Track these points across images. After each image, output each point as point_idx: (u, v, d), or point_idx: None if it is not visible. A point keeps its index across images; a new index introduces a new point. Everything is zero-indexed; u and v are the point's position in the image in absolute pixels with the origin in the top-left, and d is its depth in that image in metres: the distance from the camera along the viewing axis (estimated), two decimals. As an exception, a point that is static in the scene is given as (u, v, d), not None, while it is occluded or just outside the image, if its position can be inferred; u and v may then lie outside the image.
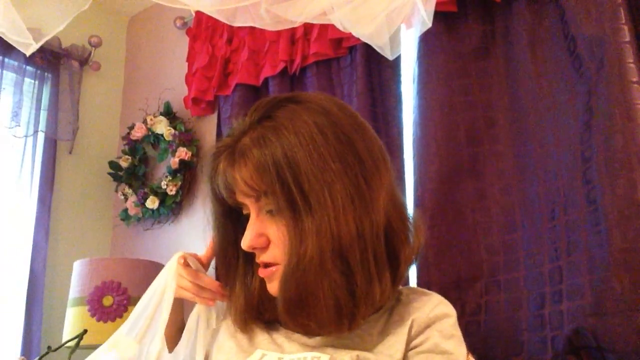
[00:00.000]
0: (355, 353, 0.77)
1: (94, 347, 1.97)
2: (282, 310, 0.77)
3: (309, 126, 0.75)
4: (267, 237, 0.79)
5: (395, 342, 0.78)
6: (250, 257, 0.85)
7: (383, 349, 0.78)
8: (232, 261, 0.87)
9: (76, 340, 1.69)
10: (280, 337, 0.85)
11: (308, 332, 0.82)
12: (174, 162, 2.30)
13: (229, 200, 0.82)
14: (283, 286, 0.76)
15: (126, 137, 2.51)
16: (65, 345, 1.73)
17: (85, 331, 1.73)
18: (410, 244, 0.82)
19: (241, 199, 0.80)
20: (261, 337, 0.86)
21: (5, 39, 1.60)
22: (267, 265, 0.80)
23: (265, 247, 0.79)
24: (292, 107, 0.78)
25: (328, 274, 0.73)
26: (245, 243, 0.79)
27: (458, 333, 0.80)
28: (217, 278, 0.92)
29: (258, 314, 0.86)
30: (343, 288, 0.74)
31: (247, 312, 0.85)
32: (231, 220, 0.87)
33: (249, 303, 0.85)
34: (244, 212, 0.83)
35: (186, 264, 0.94)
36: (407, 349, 0.78)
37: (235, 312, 0.86)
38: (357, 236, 0.74)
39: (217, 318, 0.95)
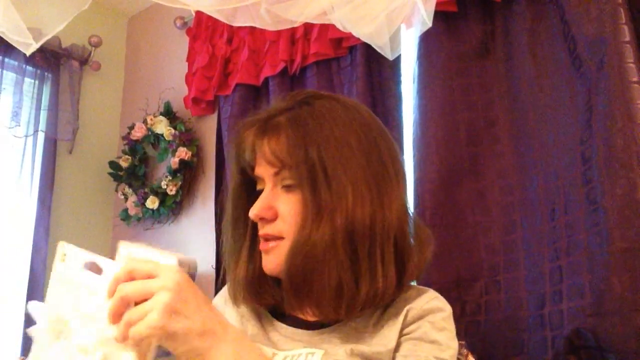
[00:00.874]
0: (349, 347, 0.77)
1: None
2: (285, 283, 0.78)
3: (344, 121, 0.81)
4: (276, 210, 0.80)
5: (389, 332, 0.79)
6: (257, 234, 0.85)
7: (377, 340, 0.79)
8: (240, 232, 0.87)
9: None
10: (274, 333, 0.84)
11: (305, 314, 0.83)
12: (174, 162, 2.30)
13: (248, 170, 0.84)
14: (290, 259, 0.77)
15: (126, 137, 2.51)
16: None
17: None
18: (417, 254, 0.85)
19: (261, 171, 0.82)
20: (254, 332, 0.85)
21: (5, 38, 1.60)
22: (268, 238, 0.81)
23: (271, 220, 0.80)
24: (330, 101, 0.84)
25: (336, 253, 0.75)
26: (254, 211, 0.80)
27: (451, 327, 0.81)
28: (220, 253, 0.91)
29: (256, 292, 0.85)
30: (348, 271, 0.76)
31: (246, 287, 0.84)
32: (246, 193, 0.87)
33: (249, 278, 0.84)
34: (258, 187, 0.84)
35: None
36: (400, 335, 0.79)
37: (233, 284, 0.85)
38: (369, 227, 0.77)
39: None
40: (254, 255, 0.85)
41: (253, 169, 0.84)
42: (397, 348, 0.78)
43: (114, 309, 0.59)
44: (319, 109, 0.82)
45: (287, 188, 0.81)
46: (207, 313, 0.62)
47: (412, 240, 0.86)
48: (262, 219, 0.81)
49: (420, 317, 0.80)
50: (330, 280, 0.75)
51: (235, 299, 0.86)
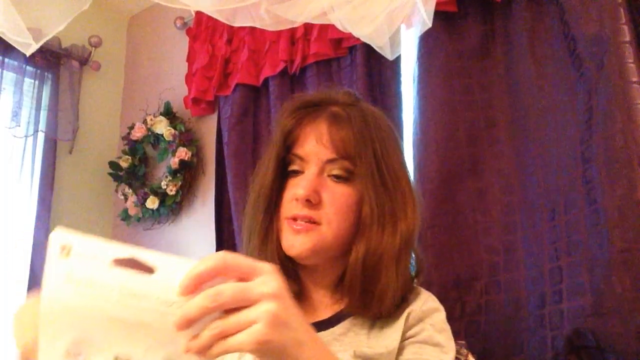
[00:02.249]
0: (352, 350, 0.77)
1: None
2: (353, 282, 0.79)
3: (387, 125, 0.87)
4: (321, 196, 0.80)
5: (391, 333, 0.80)
6: (274, 216, 0.83)
7: (378, 342, 0.79)
8: (270, 213, 0.84)
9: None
10: None
11: (331, 300, 0.85)
12: (174, 162, 2.30)
13: (299, 151, 0.83)
14: (362, 262, 0.78)
15: (126, 137, 2.51)
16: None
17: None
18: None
19: (312, 153, 0.81)
20: None
21: (5, 39, 1.61)
22: (305, 220, 0.80)
23: (316, 204, 0.80)
24: (369, 106, 0.89)
25: (399, 260, 0.79)
26: (304, 191, 0.79)
27: (448, 327, 0.83)
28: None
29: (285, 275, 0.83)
30: (399, 276, 0.79)
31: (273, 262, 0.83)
32: (280, 175, 0.85)
33: (278, 256, 0.82)
34: (294, 167, 0.83)
35: None
36: (403, 338, 0.80)
37: (266, 260, 0.83)
38: (415, 235, 0.82)
39: None
40: (271, 235, 0.83)
41: (289, 150, 0.83)
42: (399, 351, 0.78)
43: (196, 315, 0.46)
44: (371, 110, 0.86)
45: (337, 178, 0.81)
46: (305, 321, 0.53)
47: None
48: (307, 200, 0.79)
49: (420, 319, 0.81)
50: (390, 282, 0.78)
51: None
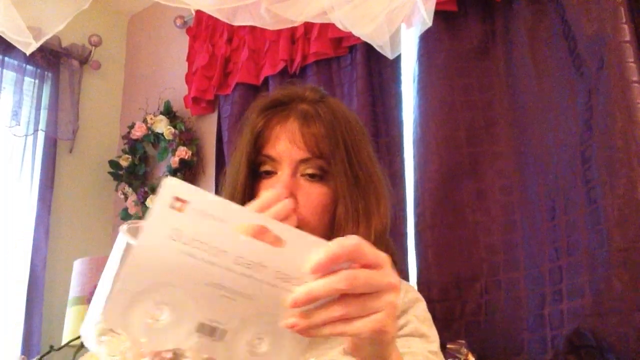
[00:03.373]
0: (340, 347, 0.76)
1: (94, 347, 1.96)
2: None
3: (356, 119, 0.86)
4: (296, 197, 0.78)
5: None
6: None
7: None
8: None
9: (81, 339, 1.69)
10: None
11: None
12: (174, 161, 2.30)
13: (271, 151, 0.81)
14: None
15: (126, 136, 2.51)
16: (69, 344, 1.73)
17: (89, 330, 1.72)
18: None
19: (285, 154, 0.79)
20: None
21: (5, 37, 1.60)
22: None
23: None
24: (335, 100, 0.88)
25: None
26: (280, 191, 0.76)
27: (429, 316, 0.84)
28: None
29: None
30: None
31: None
32: (252, 174, 0.83)
33: None
34: (266, 167, 0.82)
35: None
36: None
37: None
38: (386, 225, 0.82)
39: None
40: None
41: (259, 151, 0.81)
42: None
43: (324, 294, 0.45)
44: (336, 106, 0.84)
45: (312, 177, 0.80)
46: None
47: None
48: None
49: (404, 311, 0.81)
50: None
51: None
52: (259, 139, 0.82)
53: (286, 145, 0.80)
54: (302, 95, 0.85)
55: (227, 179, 0.86)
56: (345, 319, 0.46)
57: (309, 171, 0.80)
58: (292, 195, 0.78)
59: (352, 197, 0.79)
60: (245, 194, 0.81)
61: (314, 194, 0.79)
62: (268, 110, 0.83)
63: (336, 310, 0.46)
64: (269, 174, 0.81)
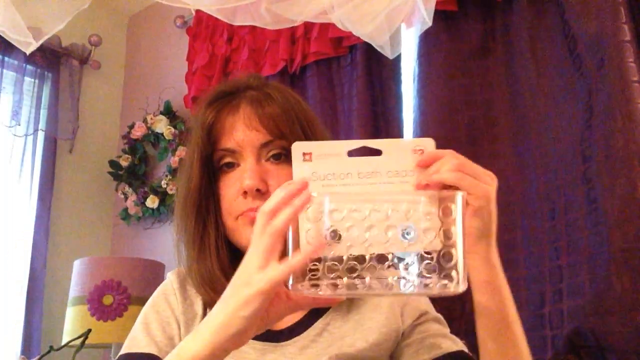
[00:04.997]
0: (333, 353, 0.75)
1: (94, 347, 1.96)
2: None
3: (305, 102, 0.85)
4: (267, 183, 0.76)
5: (371, 325, 0.80)
6: (217, 223, 0.79)
7: (357, 336, 0.78)
8: (203, 220, 0.79)
9: (81, 339, 1.69)
10: (249, 350, 0.77)
11: None
12: (174, 161, 2.30)
13: (228, 143, 0.78)
14: None
15: (126, 136, 2.51)
16: (69, 344, 1.73)
17: (89, 330, 1.72)
18: None
19: (245, 142, 0.77)
20: None
21: (5, 37, 1.60)
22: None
23: (265, 193, 0.75)
24: (280, 84, 0.87)
25: None
26: (250, 181, 0.75)
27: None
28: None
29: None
30: None
31: (217, 274, 0.77)
32: (208, 177, 0.80)
33: (221, 266, 0.77)
34: (228, 160, 0.79)
35: None
36: (404, 327, 0.82)
37: (203, 275, 0.77)
38: None
39: None
40: (221, 243, 0.79)
41: (214, 145, 0.78)
42: (405, 336, 0.81)
43: (449, 180, 0.56)
44: (284, 87, 0.85)
45: (277, 158, 0.77)
46: None
47: None
48: (257, 190, 0.75)
49: (417, 307, 0.83)
50: None
51: (207, 290, 0.77)
52: (212, 132, 0.79)
53: (244, 132, 0.77)
54: (247, 82, 0.83)
55: (178, 183, 0.83)
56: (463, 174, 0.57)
57: (273, 152, 0.77)
58: (263, 181, 0.76)
59: None
60: (201, 193, 0.78)
61: (283, 176, 0.75)
62: (216, 102, 0.81)
63: (452, 162, 0.57)
64: (230, 166, 0.79)
